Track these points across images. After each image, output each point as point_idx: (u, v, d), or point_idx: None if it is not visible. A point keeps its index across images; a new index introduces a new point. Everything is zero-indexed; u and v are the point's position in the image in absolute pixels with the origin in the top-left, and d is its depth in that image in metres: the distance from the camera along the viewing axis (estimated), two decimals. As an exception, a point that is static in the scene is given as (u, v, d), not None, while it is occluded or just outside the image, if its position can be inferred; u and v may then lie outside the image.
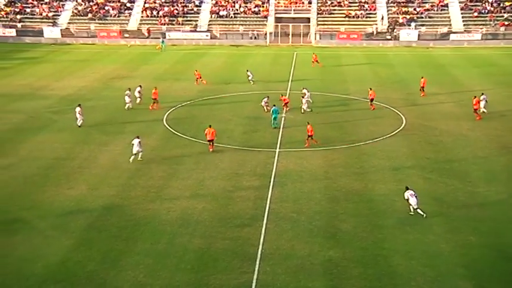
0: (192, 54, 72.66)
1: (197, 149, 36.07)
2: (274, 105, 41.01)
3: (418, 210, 26.62)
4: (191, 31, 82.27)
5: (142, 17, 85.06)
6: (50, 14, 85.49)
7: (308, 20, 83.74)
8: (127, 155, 34.55)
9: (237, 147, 36.42)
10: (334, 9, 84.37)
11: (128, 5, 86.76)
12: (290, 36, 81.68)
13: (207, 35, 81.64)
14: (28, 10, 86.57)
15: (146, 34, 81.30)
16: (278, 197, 29.17)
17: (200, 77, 55.20)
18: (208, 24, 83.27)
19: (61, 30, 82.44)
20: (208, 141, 35.22)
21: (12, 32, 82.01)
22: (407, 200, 26.90)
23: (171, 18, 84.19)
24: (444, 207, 27.93)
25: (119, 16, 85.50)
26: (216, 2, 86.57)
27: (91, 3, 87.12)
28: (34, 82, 55.24)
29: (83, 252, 23.93)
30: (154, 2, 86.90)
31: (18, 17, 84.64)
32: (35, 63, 65.50)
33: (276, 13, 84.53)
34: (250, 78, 54.88)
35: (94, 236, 25.31)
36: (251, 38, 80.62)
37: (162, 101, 45.93)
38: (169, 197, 29.29)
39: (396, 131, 39.47)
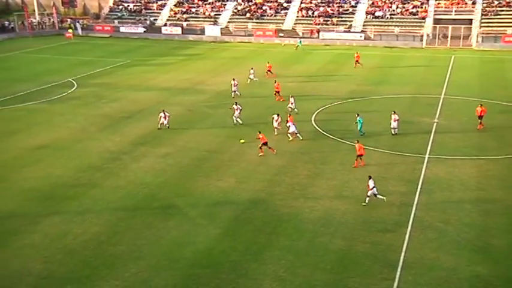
0: (344, 54, 72.23)
1: (344, 150, 35.83)
2: (358, 115, 38.97)
3: (379, 196, 27.70)
4: (345, 31, 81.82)
5: (297, 16, 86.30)
6: (212, 14, 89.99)
7: (470, 21, 79.15)
8: (275, 151, 35.33)
9: (384, 151, 35.59)
10: (502, 10, 78.85)
11: (285, 5, 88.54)
12: (449, 38, 77.84)
13: (361, 36, 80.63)
14: (193, 10, 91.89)
15: (310, 34, 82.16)
16: (425, 205, 28.03)
17: (270, 70, 55.39)
18: (363, 25, 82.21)
19: (221, 29, 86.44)
20: (358, 156, 33.36)
21: (178, 30, 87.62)
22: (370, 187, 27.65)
23: (326, 18, 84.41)
24: None
25: (275, 16, 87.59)
26: (373, 3, 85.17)
27: (250, 3, 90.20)
28: (194, 77, 58.51)
29: (228, 242, 24.92)
30: (311, 2, 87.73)
31: (185, 16, 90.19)
32: (196, 60, 69.35)
33: (435, 14, 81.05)
34: (251, 77, 54.02)
35: (239, 228, 26.24)
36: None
37: (312, 100, 46.18)
38: (313, 196, 29.44)
39: None
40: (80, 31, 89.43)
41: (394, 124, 38.52)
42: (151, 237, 25.16)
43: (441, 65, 63.62)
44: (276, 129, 38.57)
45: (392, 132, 38.55)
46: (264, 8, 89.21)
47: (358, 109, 44.76)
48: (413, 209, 27.57)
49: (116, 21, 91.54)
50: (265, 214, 27.52)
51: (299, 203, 28.61)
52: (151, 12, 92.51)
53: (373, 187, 27.71)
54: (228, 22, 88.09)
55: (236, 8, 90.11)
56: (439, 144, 36.46)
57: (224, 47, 79.66)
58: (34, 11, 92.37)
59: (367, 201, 27.88)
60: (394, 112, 38.99)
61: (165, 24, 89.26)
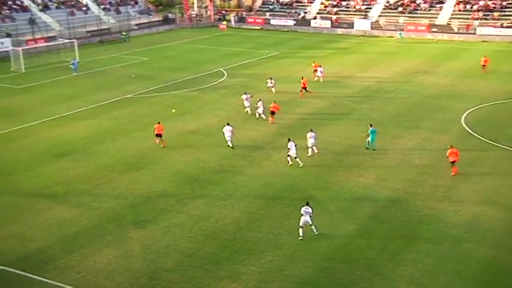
0: (503, 52, 67.36)
1: (495, 154, 33.52)
2: (371, 125, 35.49)
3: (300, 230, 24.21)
4: (507, 27, 76.03)
5: (454, 11, 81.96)
6: (363, 7, 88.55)
7: None
8: (418, 150, 34.07)
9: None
10: None
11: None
12: None
13: (525, 32, 74.60)
14: (344, 3, 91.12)
15: (466, 29, 78.00)
16: None
17: (316, 70, 52.68)
18: (527, 20, 76.00)
19: (371, 22, 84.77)
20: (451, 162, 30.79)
21: (327, 24, 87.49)
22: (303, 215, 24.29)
23: (486, 13, 79.16)
24: None
25: (429, 10, 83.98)
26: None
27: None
28: (340, 71, 58.09)
29: (364, 239, 24.51)
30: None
31: (335, 9, 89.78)
32: (344, 54, 68.77)
33: None
34: (270, 85, 48.51)
35: (376, 226, 25.69)
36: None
37: (463, 99, 43.79)
38: (458, 200, 27.92)
39: None
40: (233, 23, 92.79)
41: None
42: (289, 227, 25.50)
43: None
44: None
45: None
46: (417, 1, 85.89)
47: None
48: None
49: (268, 13, 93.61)
50: (404, 214, 26.65)
51: (442, 206, 27.31)
52: (302, 5, 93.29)
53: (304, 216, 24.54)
54: (379, 16, 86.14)
55: (388, 2, 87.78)
56: None
57: (373, 41, 78.07)
58: (193, 4, 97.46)
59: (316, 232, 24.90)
60: None
61: (315, 18, 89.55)
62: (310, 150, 33.96)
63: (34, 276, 21.63)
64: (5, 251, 23.77)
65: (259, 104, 41.26)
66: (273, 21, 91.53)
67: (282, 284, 21.47)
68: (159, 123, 36.27)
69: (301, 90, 47.34)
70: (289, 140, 32.63)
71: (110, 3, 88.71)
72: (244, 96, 42.75)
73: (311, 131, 34.29)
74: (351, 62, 63.36)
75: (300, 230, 24.45)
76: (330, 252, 23.52)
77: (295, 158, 32.27)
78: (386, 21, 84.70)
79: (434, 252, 23.29)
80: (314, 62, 55.69)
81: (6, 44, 65.95)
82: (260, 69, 58.92)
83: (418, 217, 26.34)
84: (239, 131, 38.68)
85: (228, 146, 35.24)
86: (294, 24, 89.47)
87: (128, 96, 48.57)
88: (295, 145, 32.33)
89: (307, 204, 24.81)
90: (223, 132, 35.81)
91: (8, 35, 68.78)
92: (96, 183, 30.52)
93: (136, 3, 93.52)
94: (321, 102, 45.99)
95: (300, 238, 24.36)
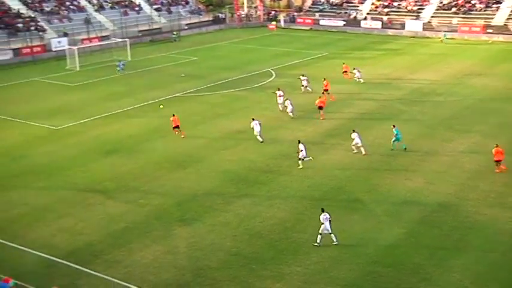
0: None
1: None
2: (394, 126, 35.04)
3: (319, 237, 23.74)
4: None
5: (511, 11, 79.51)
6: (415, 8, 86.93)
7: None
8: (470, 154, 33.23)
9: None
10: None
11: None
12: None
13: None
14: (395, 4, 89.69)
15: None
16: None
17: (346, 72, 52.11)
18: None
19: (423, 23, 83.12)
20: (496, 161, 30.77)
21: (377, 24, 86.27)
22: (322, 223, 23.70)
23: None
24: None
25: (484, 10, 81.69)
26: None
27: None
28: (390, 73, 57.21)
29: (412, 244, 24.07)
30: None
31: (386, 10, 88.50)
32: (394, 55, 67.68)
33: None
34: (305, 85, 48.47)
35: (425, 230, 25.17)
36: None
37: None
38: (510, 206, 27.06)
39: None
40: (282, 23, 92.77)
41: None
42: (335, 229, 25.22)
43: None
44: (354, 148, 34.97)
45: None
46: (472, 1, 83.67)
47: None
48: None
49: (317, 14, 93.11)
50: (454, 219, 26.02)
51: (494, 212, 26.53)
52: (352, 6, 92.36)
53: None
54: (432, 17, 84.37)
55: (441, 2, 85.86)
56: None
57: (424, 42, 76.52)
58: (243, 4, 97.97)
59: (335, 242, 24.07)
60: None
61: (365, 18, 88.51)
62: (355, 148, 34.20)
63: (84, 269, 22.21)
64: (57, 244, 24.49)
65: (287, 103, 41.63)
66: (322, 22, 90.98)
67: (326, 286, 21.32)
68: (173, 115, 37.83)
69: (323, 92, 46.18)
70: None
71: (162, 3, 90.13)
72: (278, 93, 43.26)
73: (354, 131, 34.34)
74: (402, 63, 62.30)
75: (319, 236, 23.97)
76: (376, 256, 23.20)
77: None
78: (438, 22, 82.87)
79: (485, 260, 22.65)
80: (344, 63, 55.13)
81: (63, 43, 68.00)
82: (308, 70, 58.61)
83: (468, 223, 25.67)
84: (286, 131, 38.68)
85: (259, 140, 36.24)
86: (344, 25, 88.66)
87: (176, 95, 49.24)
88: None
89: (323, 211, 24.22)
90: (252, 128, 36.39)
91: (65, 34, 70.87)
92: (144, 180, 31.07)
93: (187, 3, 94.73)
94: (370, 104, 45.41)
95: (316, 244, 23.88)
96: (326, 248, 23.82)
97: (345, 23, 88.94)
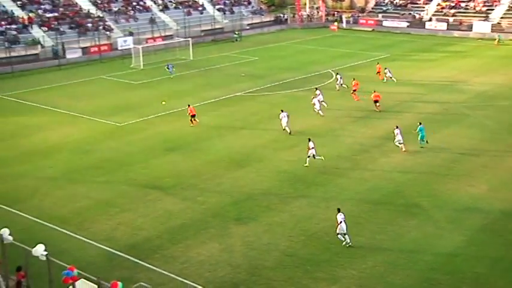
0: None
1: None
2: (420, 123, 34.92)
3: (340, 236, 23.83)
4: None
5: None
6: (484, 9, 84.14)
7: None
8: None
9: None
10: None
11: None
12: None
13: None
14: (463, 5, 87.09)
15: None
16: None
17: (379, 72, 51.64)
18: None
19: (491, 25, 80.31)
20: None
21: (443, 26, 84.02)
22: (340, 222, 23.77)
23: None
24: None
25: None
26: None
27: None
28: (454, 75, 55.63)
29: (472, 252, 23.38)
30: None
31: (452, 11, 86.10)
32: (459, 57, 65.74)
33: None
34: (340, 83, 49.30)
35: (487, 239, 24.39)
36: None
37: None
38: None
39: None
40: (344, 24, 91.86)
41: None
42: (392, 233, 24.90)
43: None
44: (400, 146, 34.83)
45: None
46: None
47: None
48: None
49: (380, 15, 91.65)
50: (519, 229, 25.05)
51: (562, 223, 25.37)
52: (417, 7, 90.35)
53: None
54: (501, 18, 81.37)
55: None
56: None
57: (492, 44, 73.88)
58: (305, 4, 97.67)
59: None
60: None
61: (430, 19, 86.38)
62: (398, 145, 34.59)
63: (142, 263, 22.76)
64: (118, 237, 25.22)
65: (314, 101, 42.45)
66: (385, 23, 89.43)
67: (382, 291, 21.02)
68: (189, 105, 40.96)
69: (351, 92, 46.75)
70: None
71: (225, 3, 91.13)
72: (317, 92, 43.99)
73: (397, 127, 34.93)
74: (467, 66, 60.44)
75: (340, 236, 24.02)
76: (434, 263, 22.65)
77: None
78: (509, 23, 79.85)
79: (551, 272, 21.72)
80: (378, 63, 55.06)
81: (129, 42, 69.87)
82: (369, 71, 57.75)
83: (533, 233, 24.69)
84: (344, 133, 38.35)
85: (286, 131, 37.99)
86: (407, 26, 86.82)
87: (237, 94, 49.67)
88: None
89: (339, 211, 24.43)
90: (280, 120, 37.93)
91: (131, 34, 72.83)
92: (202, 178, 31.53)
93: (249, 3, 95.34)
94: (433, 107, 44.34)
95: (346, 244, 24.00)
96: (382, 252, 23.47)
97: (408, 24, 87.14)
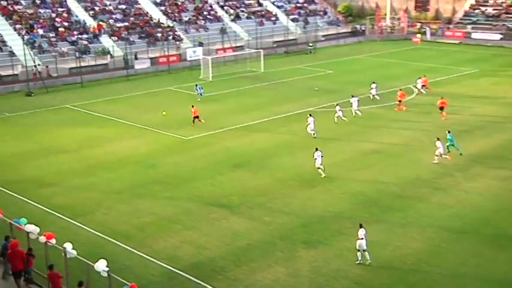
0: None
1: None
2: (449, 132, 36.95)
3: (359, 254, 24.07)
4: None
5: None
6: None
7: None
8: None
9: None
10: None
11: None
12: None
13: None
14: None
15: None
16: None
17: (426, 85, 51.81)
18: None
19: None
20: None
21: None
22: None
23: None
24: None
25: None
26: None
27: None
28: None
29: None
30: None
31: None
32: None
33: None
34: (374, 93, 51.22)
35: None
36: None
37: None
38: None
39: None
40: (428, 36, 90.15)
41: None
42: (476, 267, 24.04)
43: None
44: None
45: None
46: None
47: None
48: None
49: (469, 26, 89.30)
50: None
51: None
52: None
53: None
54: None
55: None
56: None
57: None
58: (386, 15, 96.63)
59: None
60: None
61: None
62: (439, 156, 35.59)
63: (205, 284, 23.07)
64: (181, 256, 25.70)
65: (337, 108, 44.88)
66: (474, 35, 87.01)
67: (463, 329, 20.30)
68: (193, 106, 45.37)
69: (398, 104, 48.11)
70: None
71: (299, 13, 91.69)
72: (352, 100, 46.71)
73: (438, 140, 35.78)
74: None
75: (358, 253, 24.44)
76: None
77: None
78: None
79: None
80: (425, 76, 55.52)
81: (198, 52, 71.51)
82: (455, 88, 56.39)
83: None
84: (425, 154, 37.36)
85: (313, 136, 40.82)
86: (501, 39, 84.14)
87: (309, 109, 49.63)
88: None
89: (362, 226, 24.84)
90: (308, 124, 41.09)
91: (200, 44, 74.60)
92: (270, 197, 31.68)
93: (325, 13, 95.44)
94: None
95: (357, 262, 24.43)
96: (465, 287, 22.65)
97: (502, 36, 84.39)
